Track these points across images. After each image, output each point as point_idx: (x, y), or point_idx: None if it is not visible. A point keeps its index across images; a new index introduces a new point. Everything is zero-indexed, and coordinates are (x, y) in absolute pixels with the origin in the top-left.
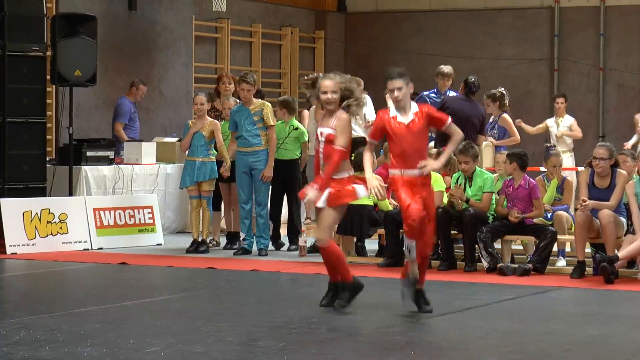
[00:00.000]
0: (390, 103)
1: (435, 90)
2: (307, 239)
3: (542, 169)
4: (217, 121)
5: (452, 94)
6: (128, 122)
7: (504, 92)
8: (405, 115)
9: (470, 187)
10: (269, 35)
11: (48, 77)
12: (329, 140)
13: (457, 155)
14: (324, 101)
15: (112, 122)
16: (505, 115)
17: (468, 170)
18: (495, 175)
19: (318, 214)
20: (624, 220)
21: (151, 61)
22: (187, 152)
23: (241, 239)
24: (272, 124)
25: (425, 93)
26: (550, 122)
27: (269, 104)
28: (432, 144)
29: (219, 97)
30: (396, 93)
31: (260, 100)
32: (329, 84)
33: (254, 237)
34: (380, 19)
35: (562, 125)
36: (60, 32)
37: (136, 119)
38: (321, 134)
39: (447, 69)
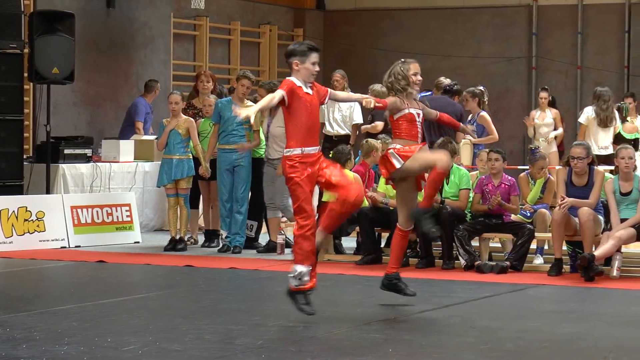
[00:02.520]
0: (296, 76)
1: (430, 94)
2: (285, 236)
3: (520, 167)
4: (192, 119)
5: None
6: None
7: (484, 90)
8: (307, 88)
9: (447, 184)
10: (248, 33)
11: (26, 74)
12: (422, 122)
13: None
14: (416, 82)
15: (125, 123)
16: (484, 114)
17: None
18: (474, 172)
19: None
20: (601, 218)
21: (129, 59)
22: (163, 150)
23: (223, 236)
24: (258, 129)
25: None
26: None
27: None
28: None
29: (197, 95)
30: (317, 67)
31: (251, 102)
32: (417, 66)
33: (231, 234)
34: (359, 16)
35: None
36: (37, 30)
37: (149, 119)
38: (418, 114)
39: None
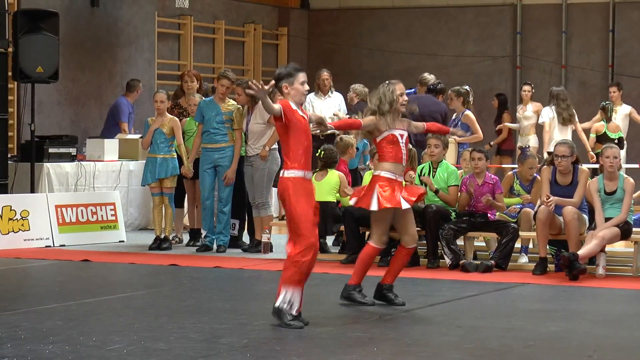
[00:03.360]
0: (288, 99)
1: (414, 91)
2: (270, 236)
3: (504, 165)
4: (176, 118)
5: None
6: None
7: (469, 89)
8: (301, 112)
9: (433, 177)
10: (232, 32)
11: (10, 73)
12: (406, 143)
13: (428, 140)
14: (402, 103)
15: (108, 123)
16: (469, 112)
17: (437, 155)
18: (459, 172)
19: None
20: (586, 217)
21: (114, 58)
22: (148, 149)
23: (202, 235)
24: (239, 127)
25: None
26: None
27: (241, 107)
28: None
29: (183, 95)
30: (307, 87)
31: (233, 101)
32: (402, 86)
33: (215, 233)
34: (344, 15)
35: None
36: (22, 28)
37: (131, 119)
38: (401, 136)
39: (433, 80)
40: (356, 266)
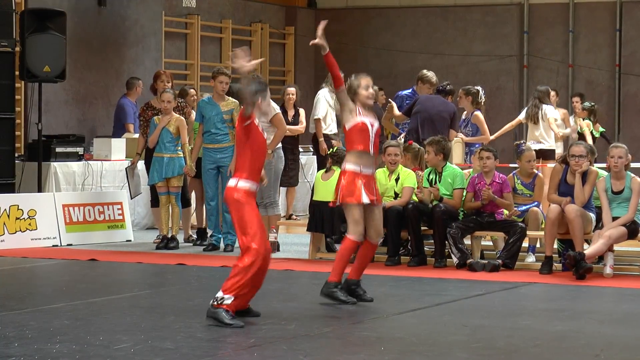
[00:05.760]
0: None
1: (412, 91)
2: (277, 235)
3: (512, 165)
4: (182, 118)
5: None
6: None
7: (480, 90)
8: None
9: (439, 182)
10: (239, 31)
11: (17, 72)
12: (377, 134)
13: (425, 145)
14: (368, 97)
15: (116, 126)
16: (478, 113)
17: (430, 161)
18: (467, 171)
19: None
20: (592, 215)
21: (121, 57)
22: (154, 148)
23: (208, 235)
24: None
25: (400, 93)
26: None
27: (239, 104)
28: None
29: (155, 95)
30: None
31: (231, 98)
32: (369, 79)
33: (222, 233)
34: (351, 15)
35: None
36: (29, 28)
37: (137, 119)
38: (372, 125)
39: (434, 78)
40: (336, 262)
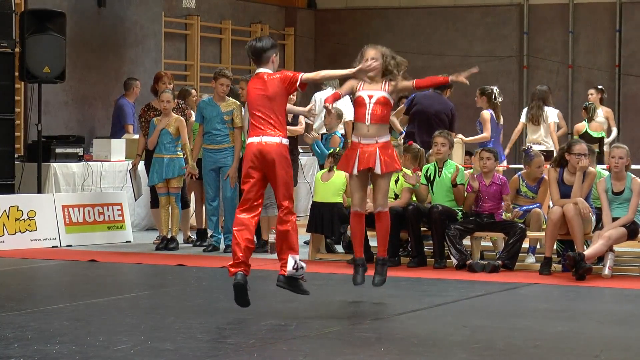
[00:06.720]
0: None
1: None
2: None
3: (511, 166)
4: (182, 118)
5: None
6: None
7: (494, 89)
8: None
9: (439, 177)
10: (239, 32)
11: (17, 73)
12: (380, 102)
13: (433, 139)
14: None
15: (115, 127)
16: (484, 112)
17: (443, 154)
18: (467, 172)
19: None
20: (592, 216)
21: (120, 58)
22: (154, 149)
23: (209, 235)
24: (241, 125)
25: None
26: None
27: (240, 104)
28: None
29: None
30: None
31: (232, 99)
32: (375, 50)
33: (222, 234)
34: (351, 15)
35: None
36: (28, 29)
37: (136, 120)
38: (369, 97)
39: None
40: (353, 243)
